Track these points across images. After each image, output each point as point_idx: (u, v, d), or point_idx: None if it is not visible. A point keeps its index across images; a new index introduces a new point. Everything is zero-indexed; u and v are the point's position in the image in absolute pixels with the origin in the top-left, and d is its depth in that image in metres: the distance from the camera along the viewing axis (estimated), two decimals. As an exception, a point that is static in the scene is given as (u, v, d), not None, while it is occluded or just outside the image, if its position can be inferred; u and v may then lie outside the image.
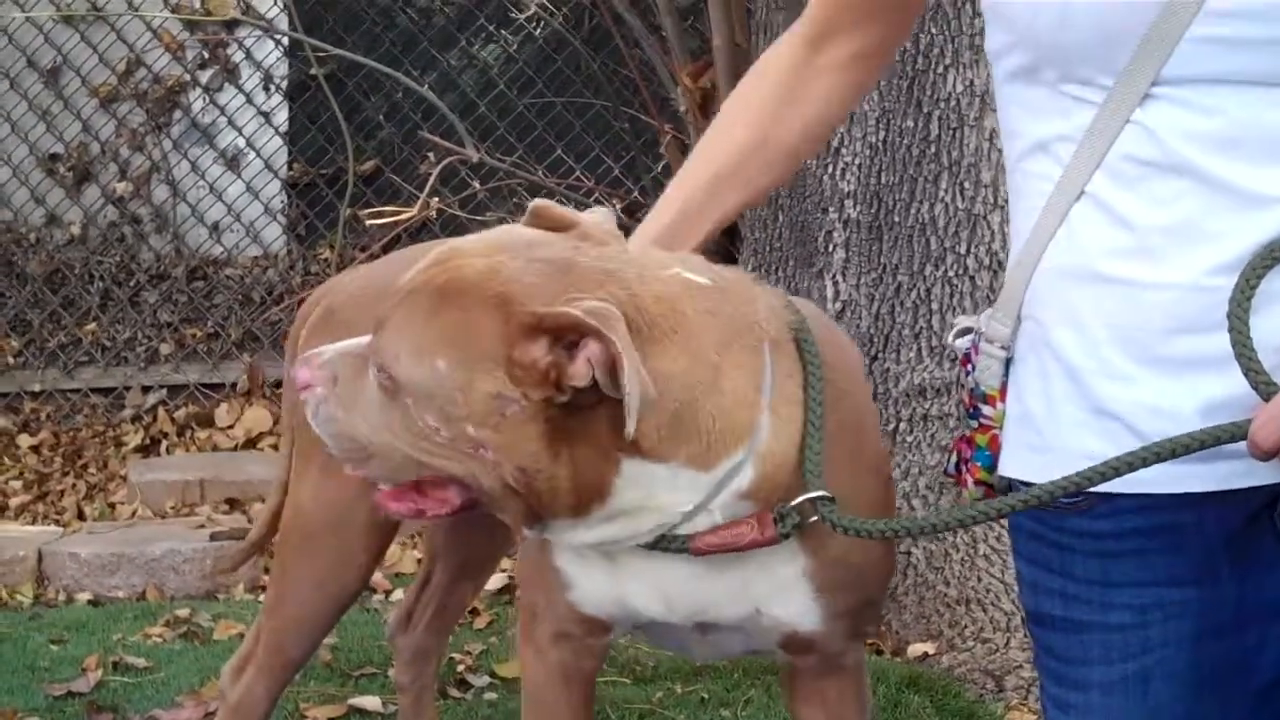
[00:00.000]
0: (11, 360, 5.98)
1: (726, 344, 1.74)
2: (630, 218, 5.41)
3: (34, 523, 5.04)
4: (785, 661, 2.04)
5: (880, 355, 3.87)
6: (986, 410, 1.72)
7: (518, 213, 5.32)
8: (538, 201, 1.83)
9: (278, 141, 6.19)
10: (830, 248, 3.97)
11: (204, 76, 6.19)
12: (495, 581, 3.98)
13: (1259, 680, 1.66)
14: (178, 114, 6.21)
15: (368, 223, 5.18)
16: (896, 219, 3.91)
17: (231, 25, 6.03)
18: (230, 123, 6.18)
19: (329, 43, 5.57)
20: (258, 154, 6.18)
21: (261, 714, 2.64)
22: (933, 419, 3.80)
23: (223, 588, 4.36)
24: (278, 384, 5.81)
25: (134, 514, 4.97)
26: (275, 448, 5.57)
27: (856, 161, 3.95)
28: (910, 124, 3.89)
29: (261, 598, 4.24)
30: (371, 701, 3.41)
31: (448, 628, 3.04)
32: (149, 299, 6.09)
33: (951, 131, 3.87)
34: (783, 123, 1.92)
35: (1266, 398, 1.52)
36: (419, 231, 5.71)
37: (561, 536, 1.81)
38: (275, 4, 6.04)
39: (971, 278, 3.84)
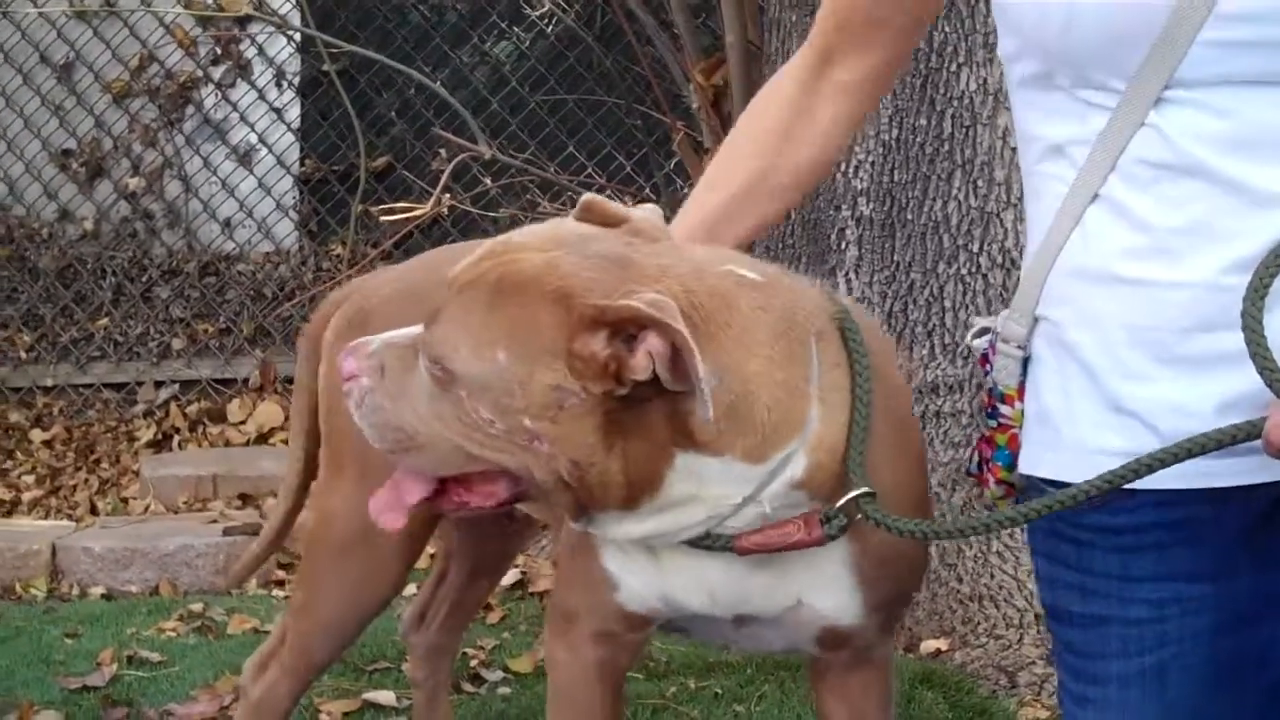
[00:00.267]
0: (24, 355, 6.00)
1: (778, 338, 1.76)
2: (642, 214, 5.41)
3: (46, 517, 5.06)
4: (811, 656, 2.06)
5: (893, 352, 3.88)
6: (1005, 410, 1.74)
7: (530, 209, 5.37)
8: (588, 196, 1.84)
9: (290, 138, 6.20)
10: (843, 245, 3.98)
11: (216, 72, 6.21)
12: (508, 577, 3.99)
13: (1275, 674, 1.68)
14: (190, 110, 6.23)
15: (381, 219, 5.18)
16: (909, 216, 3.92)
17: (244, 21, 6.04)
18: (242, 119, 6.19)
19: (341, 39, 5.58)
20: (270, 150, 6.20)
21: (283, 713, 2.64)
22: (945, 416, 3.81)
23: (236, 583, 4.37)
24: (289, 380, 5.82)
25: (146, 509, 4.99)
26: (287, 443, 5.58)
27: (869, 159, 3.96)
28: (923, 122, 3.90)
29: (274, 593, 4.27)
30: (386, 696, 3.42)
31: (463, 625, 3.04)
32: (161, 294, 6.11)
33: (965, 129, 3.87)
34: (787, 154, 1.93)
35: None
36: (430, 228, 5.72)
37: (609, 529, 1.81)
38: (287, 0, 6.05)
39: (984, 275, 3.85)
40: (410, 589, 3.87)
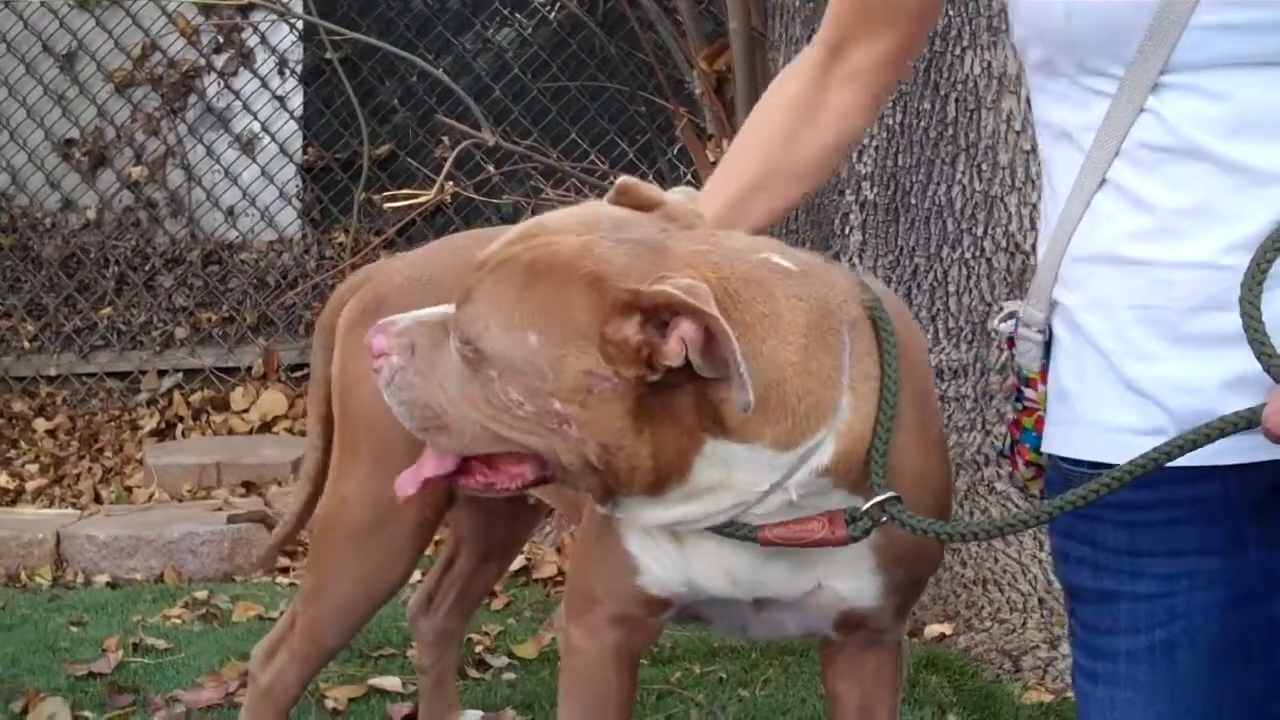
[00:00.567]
0: (27, 344, 6.00)
1: (812, 327, 1.75)
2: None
3: (51, 506, 5.06)
4: (822, 638, 2.06)
5: (897, 337, 3.88)
6: (1030, 393, 1.77)
7: (533, 196, 5.36)
8: (624, 179, 1.84)
9: (292, 126, 6.20)
10: (847, 230, 3.97)
11: (219, 61, 6.21)
12: (513, 564, 3.99)
13: (1283, 650, 1.68)
14: (193, 98, 6.23)
15: (385, 207, 5.18)
16: (913, 201, 3.91)
17: (246, 10, 6.03)
18: (245, 107, 6.19)
19: (344, 27, 5.57)
20: (273, 138, 6.19)
21: (291, 699, 2.64)
22: (950, 400, 3.81)
23: (240, 570, 4.37)
24: (293, 368, 5.83)
25: (150, 497, 4.99)
26: (290, 431, 5.59)
27: (873, 144, 3.95)
28: (927, 106, 3.89)
29: (279, 580, 4.27)
30: (391, 682, 3.42)
31: (470, 611, 3.04)
32: (164, 283, 6.11)
33: (969, 113, 3.86)
34: (802, 141, 1.94)
35: (1278, 379, 1.55)
36: (433, 215, 5.72)
37: (635, 514, 1.81)
38: (290, -12, 6.05)
39: (988, 260, 3.84)
40: (415, 575, 3.88)
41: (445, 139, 5.74)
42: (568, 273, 1.71)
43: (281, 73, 6.20)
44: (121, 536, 4.43)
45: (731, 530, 1.81)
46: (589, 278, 1.70)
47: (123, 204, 6.26)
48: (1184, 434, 1.59)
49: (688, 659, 3.47)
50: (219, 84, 6.21)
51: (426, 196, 4.70)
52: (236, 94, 6.20)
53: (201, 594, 4.08)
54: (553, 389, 1.71)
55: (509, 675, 3.51)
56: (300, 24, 6.02)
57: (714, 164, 4.71)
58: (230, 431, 5.64)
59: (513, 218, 5.75)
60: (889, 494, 1.76)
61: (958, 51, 3.86)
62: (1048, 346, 1.74)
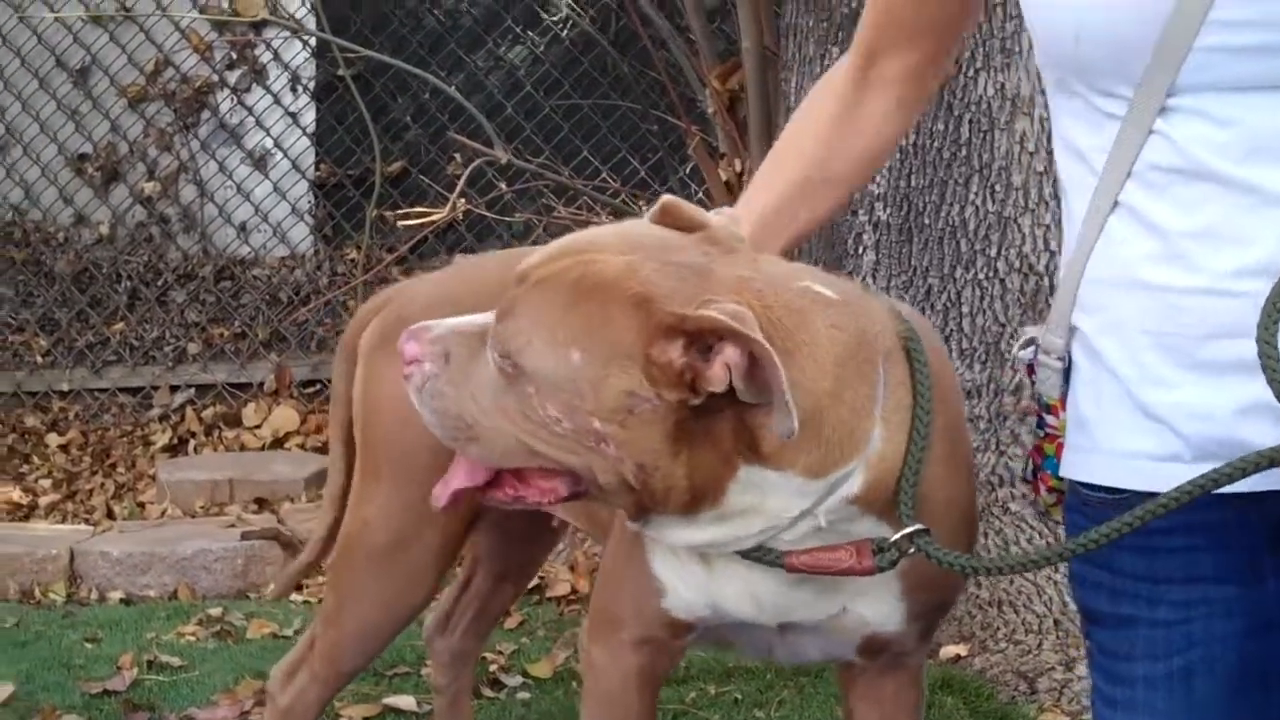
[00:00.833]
0: (40, 359, 6.02)
1: (849, 357, 1.76)
2: (656, 219, 5.42)
3: (63, 521, 5.07)
4: (849, 662, 2.07)
5: (910, 357, 3.88)
6: (1051, 420, 1.77)
7: (545, 214, 5.37)
8: (667, 198, 1.83)
9: (305, 142, 6.22)
10: (860, 250, 3.98)
11: (232, 77, 6.22)
12: (526, 582, 3.99)
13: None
14: (205, 114, 6.24)
15: (398, 224, 5.19)
16: (927, 221, 3.92)
17: (259, 26, 6.05)
18: (258, 123, 6.20)
19: (356, 43, 5.58)
20: (285, 154, 6.21)
21: (310, 720, 2.65)
22: (963, 421, 3.81)
23: (254, 587, 4.38)
24: (305, 384, 5.84)
25: (163, 513, 5.00)
26: (302, 447, 5.60)
27: (887, 164, 3.96)
28: (941, 127, 3.90)
29: (293, 598, 4.28)
30: (406, 701, 3.43)
31: (486, 631, 3.04)
32: (177, 299, 6.12)
33: (982, 134, 3.87)
34: (838, 149, 1.94)
35: None
36: (445, 232, 5.73)
37: (666, 534, 1.81)
38: (303, 5, 6.06)
39: (1002, 280, 3.85)
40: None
41: (457, 156, 5.75)
42: (614, 292, 1.70)
43: (294, 89, 6.21)
44: (135, 553, 4.44)
45: (759, 555, 1.81)
46: (635, 299, 1.70)
47: (135, 219, 6.27)
48: (1225, 466, 1.59)
49: (703, 679, 3.48)
50: (232, 100, 6.23)
51: (440, 215, 4.71)
52: (249, 110, 6.21)
53: (215, 611, 4.09)
54: (593, 408, 1.70)
55: (523, 695, 3.52)
56: (313, 41, 6.04)
57: (726, 183, 4.72)
58: (242, 447, 5.65)
59: (524, 235, 5.76)
60: (917, 526, 1.77)
61: (971, 73, 3.88)
62: (1067, 373, 1.75)
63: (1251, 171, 1.59)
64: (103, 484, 5.44)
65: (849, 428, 1.76)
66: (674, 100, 5.08)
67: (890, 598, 1.92)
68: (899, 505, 1.79)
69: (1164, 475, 1.63)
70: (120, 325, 6.06)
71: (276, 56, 6.20)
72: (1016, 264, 3.84)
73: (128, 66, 6.21)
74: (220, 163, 6.23)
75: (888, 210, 3.95)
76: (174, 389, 5.94)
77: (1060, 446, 1.77)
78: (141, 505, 5.18)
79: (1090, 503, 1.71)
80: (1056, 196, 3.86)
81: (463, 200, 4.92)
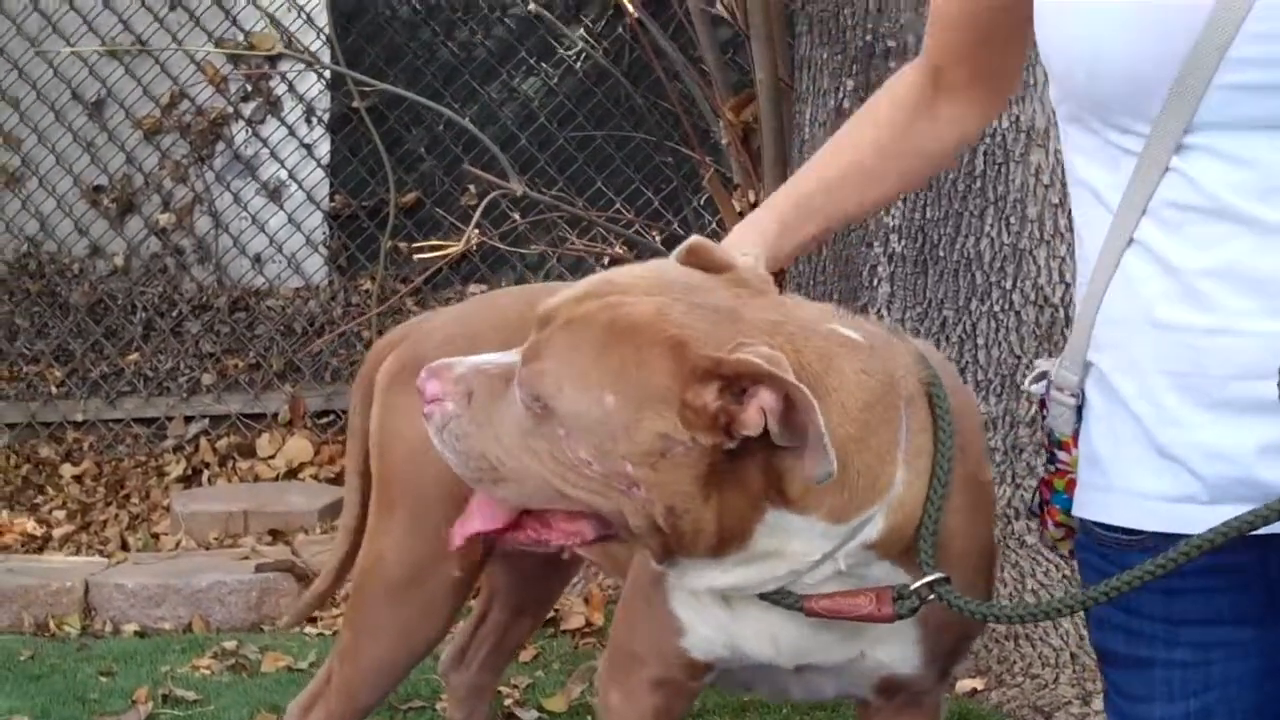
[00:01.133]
0: (54, 390, 6.02)
1: (875, 403, 1.76)
2: (670, 250, 5.42)
3: (78, 553, 5.07)
4: (865, 700, 2.06)
5: (926, 390, 3.87)
6: (1062, 455, 1.76)
7: (559, 245, 5.37)
8: (695, 240, 1.82)
9: (319, 174, 6.23)
10: (875, 282, 3.98)
11: (247, 109, 6.24)
12: (542, 615, 3.98)
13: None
14: (220, 146, 6.26)
15: (413, 256, 5.20)
16: (942, 253, 3.92)
17: (275, 59, 6.08)
18: (272, 155, 6.22)
19: (371, 76, 5.61)
20: (300, 186, 6.22)
21: (327, 756, 2.64)
22: (979, 453, 3.80)
23: (268, 620, 4.38)
24: (319, 415, 5.85)
25: (178, 545, 5.00)
26: (316, 478, 5.61)
27: (901, 196, 3.96)
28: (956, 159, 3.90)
29: (307, 630, 4.27)
30: (421, 735, 3.42)
31: (502, 665, 3.04)
32: (191, 329, 6.13)
33: (997, 167, 3.88)
34: (907, 139, 1.92)
35: None
36: (459, 263, 5.74)
37: (690, 577, 1.81)
38: (318, 37, 6.09)
39: (1017, 313, 3.85)
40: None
41: (471, 187, 5.76)
42: (647, 335, 1.69)
43: (309, 121, 6.23)
44: (150, 585, 4.44)
45: (778, 599, 1.81)
46: (670, 341, 1.69)
47: (150, 250, 6.29)
48: (1256, 510, 1.58)
49: (719, 713, 3.47)
50: (247, 132, 6.25)
51: (455, 247, 4.72)
52: (264, 142, 6.23)
53: (230, 644, 4.08)
54: (625, 451, 1.69)
55: (539, 729, 3.51)
56: (328, 73, 6.06)
57: (740, 214, 4.73)
58: (256, 478, 5.65)
59: (538, 266, 5.77)
60: (937, 575, 1.76)
61: (986, 105, 3.88)
62: (1079, 410, 1.74)
63: (1269, 210, 1.58)
64: (117, 515, 5.45)
65: (874, 473, 1.75)
66: (688, 132, 5.09)
67: (909, 642, 1.92)
68: (917, 552, 1.78)
69: (1179, 516, 1.63)
70: (135, 356, 6.07)
71: (291, 89, 6.22)
72: (1032, 296, 3.84)
73: (143, 99, 6.23)
74: (235, 194, 6.24)
75: (903, 242, 3.96)
76: (188, 420, 5.94)
77: (1071, 482, 1.76)
78: (156, 536, 5.18)
79: (1105, 542, 1.70)
80: (1072, 228, 3.86)
81: (477, 231, 4.93)
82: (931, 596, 1.77)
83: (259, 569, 4.49)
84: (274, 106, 6.24)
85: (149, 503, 5.53)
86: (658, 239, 5.39)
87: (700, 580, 1.81)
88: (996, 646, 3.62)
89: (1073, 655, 3.53)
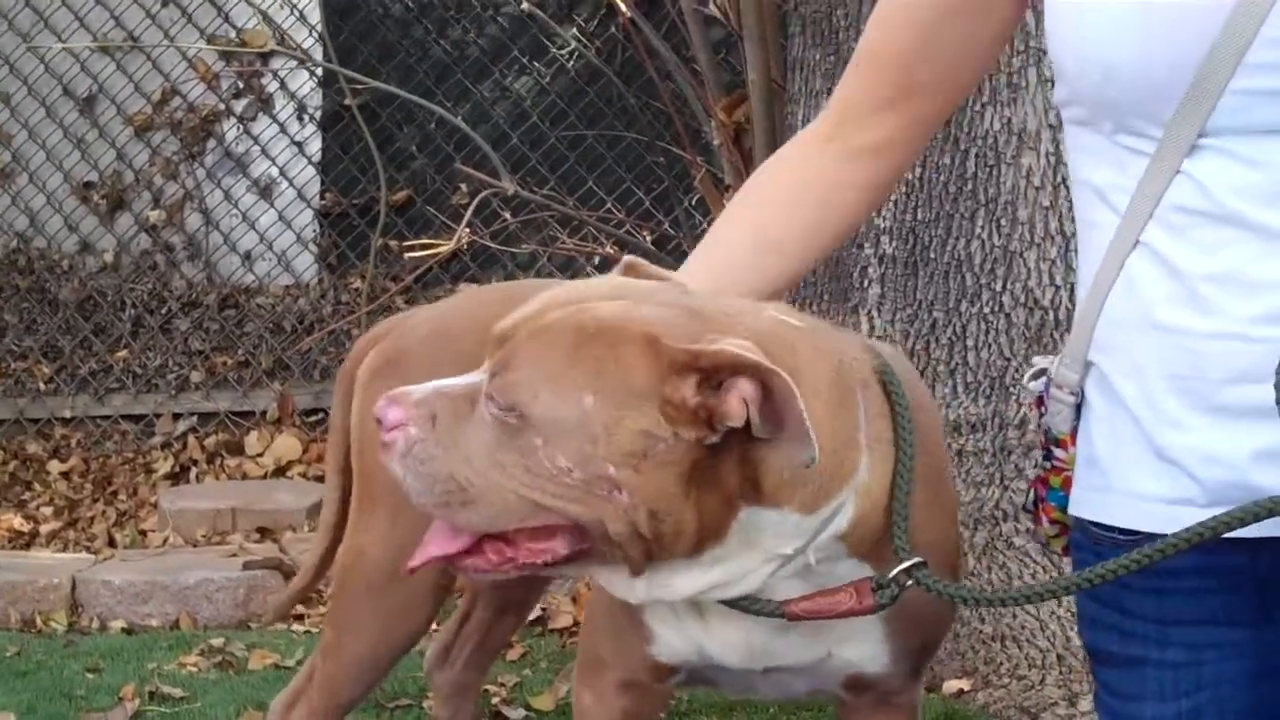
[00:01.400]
0: (43, 386, 6.02)
1: (835, 384, 1.74)
2: (661, 250, 5.43)
3: (65, 549, 5.06)
4: (838, 699, 2.06)
5: (915, 391, 3.88)
6: (1059, 453, 1.76)
7: (550, 244, 5.37)
8: (630, 258, 1.83)
9: (310, 171, 6.23)
10: (865, 283, 3.98)
11: (238, 106, 6.24)
12: (529, 614, 3.98)
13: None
14: (211, 143, 6.26)
15: (404, 254, 5.19)
16: (932, 255, 3.92)
17: (266, 56, 6.07)
18: (263, 152, 6.22)
19: (363, 74, 5.60)
20: (290, 183, 6.22)
21: (310, 753, 2.64)
22: (967, 455, 3.81)
23: (255, 617, 4.37)
24: (307, 413, 5.84)
25: (165, 542, 4.99)
26: (304, 476, 5.60)
27: (892, 197, 3.96)
28: (947, 160, 3.91)
29: (294, 628, 4.26)
30: (408, 734, 3.42)
31: (487, 663, 3.04)
32: (180, 326, 6.13)
33: (988, 169, 3.88)
34: (790, 221, 1.87)
35: None
36: (449, 262, 5.74)
37: (663, 582, 1.77)
38: (310, 35, 6.08)
39: (1007, 315, 3.85)
40: (431, 626, 3.88)
41: (463, 186, 5.76)
42: (621, 333, 1.68)
43: (300, 118, 6.23)
44: (137, 582, 4.43)
45: (759, 608, 1.78)
46: (644, 338, 1.67)
47: (140, 247, 6.28)
48: (1235, 510, 1.58)
49: (705, 713, 3.47)
50: (238, 129, 6.24)
51: (445, 246, 4.71)
52: (255, 139, 6.23)
53: (217, 641, 4.08)
54: (606, 453, 1.66)
55: (526, 728, 3.51)
56: (320, 71, 6.06)
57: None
58: (244, 476, 5.65)
59: (529, 265, 5.77)
60: (915, 559, 1.75)
61: (978, 107, 3.88)
62: (1078, 408, 1.74)
63: (1274, 216, 1.58)
64: (104, 511, 5.44)
65: (839, 458, 1.74)
66: (680, 132, 5.09)
67: (875, 640, 1.91)
68: (891, 540, 1.77)
69: (1176, 518, 1.63)
70: (123, 353, 6.06)
71: (283, 86, 6.21)
72: (1022, 298, 3.84)
73: (134, 95, 6.23)
74: (225, 191, 6.24)
75: (893, 243, 3.96)
76: (176, 417, 5.94)
77: (1067, 480, 1.76)
78: (143, 533, 5.18)
79: (1101, 542, 1.70)
80: (1062, 231, 3.87)
81: (468, 230, 4.92)
82: (910, 582, 1.75)
83: (247, 566, 4.49)
84: (265, 104, 6.24)
85: (136, 500, 5.52)
86: (648, 239, 5.40)
87: (674, 586, 1.77)
88: (983, 648, 3.63)
89: (1059, 656, 3.53)
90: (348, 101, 5.84)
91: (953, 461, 3.82)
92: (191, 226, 6.27)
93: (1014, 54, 3.83)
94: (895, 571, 1.75)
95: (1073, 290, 3.79)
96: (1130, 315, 1.66)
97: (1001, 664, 3.58)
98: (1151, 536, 1.64)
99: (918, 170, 3.93)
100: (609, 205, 5.76)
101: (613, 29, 5.85)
